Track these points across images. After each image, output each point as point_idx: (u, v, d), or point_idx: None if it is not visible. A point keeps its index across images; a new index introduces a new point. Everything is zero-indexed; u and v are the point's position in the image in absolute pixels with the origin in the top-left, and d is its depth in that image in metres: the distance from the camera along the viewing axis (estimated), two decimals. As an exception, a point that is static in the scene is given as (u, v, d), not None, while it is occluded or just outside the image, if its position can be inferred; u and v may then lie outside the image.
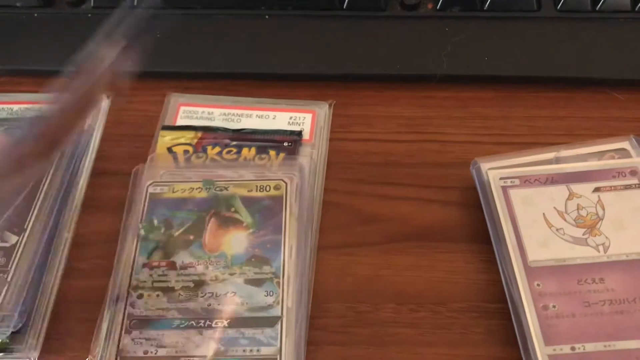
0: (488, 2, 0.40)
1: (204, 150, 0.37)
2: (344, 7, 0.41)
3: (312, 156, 0.37)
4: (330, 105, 0.39)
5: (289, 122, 0.39)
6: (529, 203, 0.33)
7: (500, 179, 0.34)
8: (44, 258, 0.33)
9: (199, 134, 0.38)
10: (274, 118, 0.39)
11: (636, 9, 0.40)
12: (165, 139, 0.38)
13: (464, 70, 0.40)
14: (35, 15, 0.43)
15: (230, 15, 0.42)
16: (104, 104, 0.40)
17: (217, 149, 0.37)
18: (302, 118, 0.39)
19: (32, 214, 0.34)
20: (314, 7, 0.41)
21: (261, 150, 0.37)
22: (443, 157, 0.38)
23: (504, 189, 0.33)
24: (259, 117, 0.39)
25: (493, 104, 0.40)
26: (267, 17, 0.42)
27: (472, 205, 0.35)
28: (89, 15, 0.43)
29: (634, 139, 0.35)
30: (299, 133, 0.38)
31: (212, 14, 0.42)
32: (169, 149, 0.37)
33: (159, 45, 0.41)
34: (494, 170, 0.34)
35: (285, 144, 0.37)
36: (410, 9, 0.41)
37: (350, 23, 0.41)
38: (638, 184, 0.33)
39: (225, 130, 0.38)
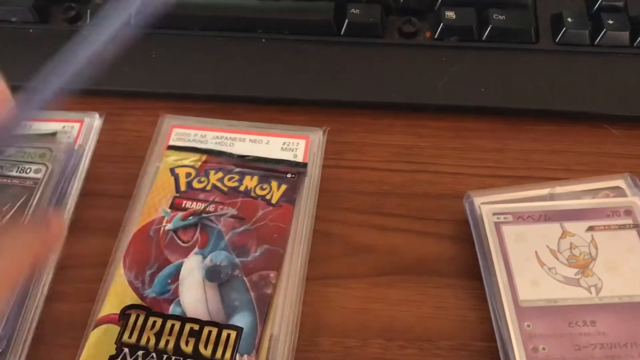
0: (486, 33, 0.40)
1: (206, 175, 0.37)
2: (342, 33, 0.41)
3: (305, 183, 0.37)
4: (324, 131, 0.39)
5: (282, 148, 0.38)
6: (521, 240, 0.32)
7: (494, 214, 0.33)
8: (27, 281, 0.33)
9: (204, 157, 0.37)
10: (267, 143, 0.39)
11: (634, 44, 0.40)
12: (170, 159, 0.37)
13: (460, 100, 0.39)
14: (31, 30, 0.43)
15: (226, 38, 0.41)
16: (97, 123, 0.39)
17: (220, 174, 0.36)
18: (296, 144, 0.39)
19: (17, 235, 0.33)
20: (311, 32, 0.41)
21: (263, 180, 0.36)
22: (436, 188, 0.37)
23: (497, 224, 0.33)
24: (252, 141, 0.39)
25: (488, 136, 0.39)
26: (263, 40, 0.41)
27: (464, 240, 0.34)
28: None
29: (629, 178, 0.34)
30: (304, 165, 0.37)
31: (208, 35, 0.42)
32: (172, 170, 0.37)
33: (155, 66, 0.41)
34: (487, 205, 0.34)
35: (289, 175, 0.36)
36: (408, 37, 0.41)
37: (348, 49, 0.41)
38: (632, 225, 0.32)
39: (230, 155, 0.38)
